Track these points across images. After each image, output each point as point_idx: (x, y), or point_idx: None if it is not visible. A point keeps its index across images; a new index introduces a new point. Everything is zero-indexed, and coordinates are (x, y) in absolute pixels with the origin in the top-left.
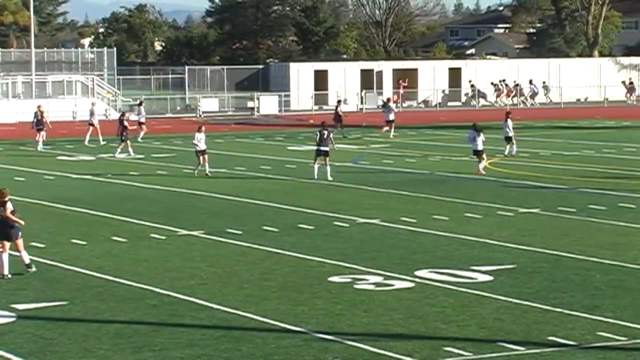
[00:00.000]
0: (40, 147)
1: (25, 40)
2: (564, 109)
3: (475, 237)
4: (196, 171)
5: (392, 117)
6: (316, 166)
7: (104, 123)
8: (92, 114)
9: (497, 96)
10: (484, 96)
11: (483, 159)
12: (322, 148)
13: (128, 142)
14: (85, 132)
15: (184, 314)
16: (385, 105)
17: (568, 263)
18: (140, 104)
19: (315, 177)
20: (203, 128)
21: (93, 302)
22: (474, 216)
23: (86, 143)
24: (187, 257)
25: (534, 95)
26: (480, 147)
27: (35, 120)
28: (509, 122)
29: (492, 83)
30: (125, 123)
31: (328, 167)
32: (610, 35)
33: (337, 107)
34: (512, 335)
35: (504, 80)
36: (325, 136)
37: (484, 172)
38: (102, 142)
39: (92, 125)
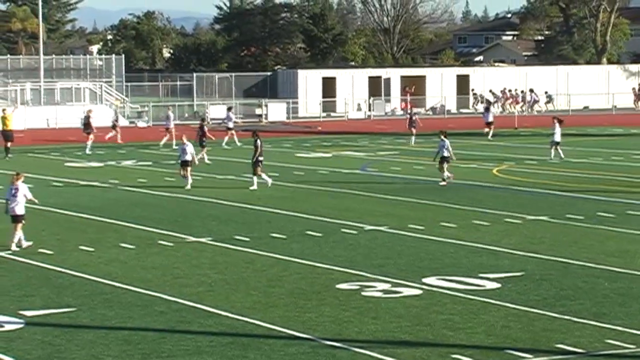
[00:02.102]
0: (87, 150)
1: (34, 47)
2: (572, 116)
3: (483, 244)
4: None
5: (491, 119)
6: (255, 178)
7: (111, 130)
8: (168, 118)
9: (502, 104)
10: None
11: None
12: (260, 158)
13: (205, 148)
14: (91, 139)
15: (192, 320)
16: (487, 108)
17: (576, 270)
18: (229, 110)
19: (256, 187)
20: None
21: (101, 308)
22: (482, 223)
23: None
24: (195, 264)
25: (534, 103)
26: (447, 153)
27: (83, 124)
28: (558, 127)
29: (491, 91)
30: (205, 129)
31: (255, 178)
32: (618, 43)
33: (411, 114)
34: (519, 342)
35: (502, 90)
36: (260, 145)
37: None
38: (175, 147)
39: (168, 129)
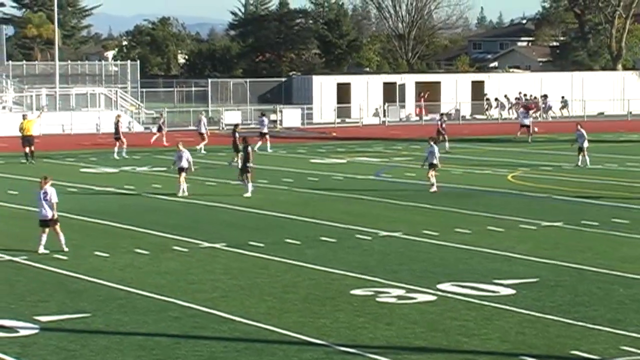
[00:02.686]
0: (122, 154)
1: (50, 53)
2: (587, 122)
3: (497, 250)
4: (181, 192)
5: (528, 122)
6: (250, 185)
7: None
8: (199, 122)
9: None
10: (504, 107)
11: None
12: (249, 164)
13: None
14: (112, 145)
15: (206, 326)
16: (526, 111)
17: (591, 277)
18: (263, 115)
19: (250, 194)
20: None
21: (115, 314)
22: (497, 229)
23: (202, 151)
24: (209, 270)
25: (548, 109)
26: (436, 160)
27: (114, 129)
28: (584, 131)
29: (505, 96)
30: (237, 135)
31: (250, 184)
32: (633, 49)
33: (440, 121)
34: (534, 349)
35: (516, 96)
36: (249, 152)
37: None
38: (203, 152)
39: (201, 134)
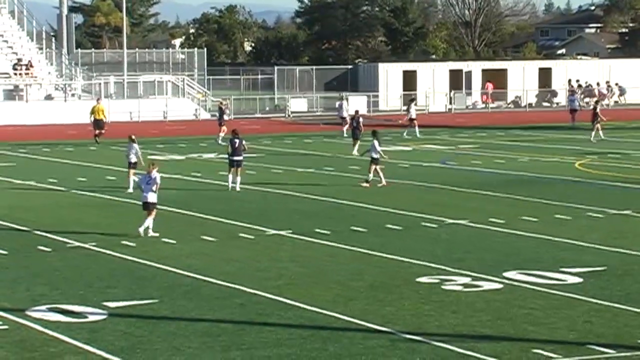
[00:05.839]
0: (219, 140)
1: (118, 41)
2: None
3: (564, 238)
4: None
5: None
6: (230, 176)
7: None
8: (341, 107)
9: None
10: (556, 95)
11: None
12: (235, 158)
13: (358, 140)
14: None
15: (271, 313)
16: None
17: None
18: (412, 101)
19: (230, 187)
20: (134, 137)
21: (182, 300)
22: (564, 217)
23: (345, 135)
24: (276, 257)
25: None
26: (376, 154)
27: (218, 114)
28: None
29: (569, 82)
30: (361, 120)
31: (238, 178)
32: None
33: (595, 106)
34: (602, 338)
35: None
36: (237, 145)
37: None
38: (346, 135)
39: (343, 118)
